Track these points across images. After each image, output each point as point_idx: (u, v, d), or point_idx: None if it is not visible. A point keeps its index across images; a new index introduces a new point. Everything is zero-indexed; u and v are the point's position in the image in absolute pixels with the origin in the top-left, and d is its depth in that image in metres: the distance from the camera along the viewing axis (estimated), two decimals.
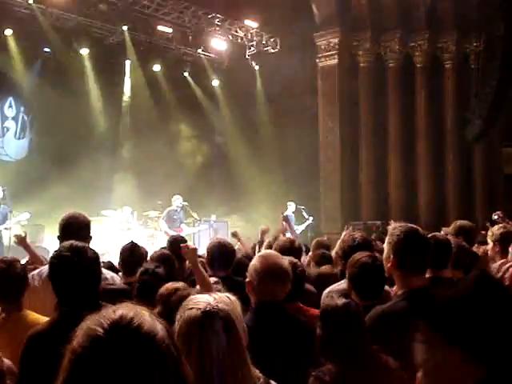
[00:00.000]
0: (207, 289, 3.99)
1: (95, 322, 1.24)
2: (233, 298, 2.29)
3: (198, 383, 1.75)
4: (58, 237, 4.00)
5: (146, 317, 1.27)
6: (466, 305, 1.33)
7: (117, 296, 3.37)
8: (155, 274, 4.19)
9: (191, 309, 1.99)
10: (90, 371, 1.19)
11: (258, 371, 2.29)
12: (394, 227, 3.37)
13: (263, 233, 6.92)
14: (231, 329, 1.98)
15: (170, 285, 3.68)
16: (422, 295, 2.92)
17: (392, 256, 3.25)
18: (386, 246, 3.37)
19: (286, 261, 3.39)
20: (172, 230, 13.18)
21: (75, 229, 3.93)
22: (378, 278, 3.77)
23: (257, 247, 6.84)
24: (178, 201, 13.78)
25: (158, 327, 1.26)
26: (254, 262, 3.29)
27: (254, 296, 3.21)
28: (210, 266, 4.91)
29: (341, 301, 2.92)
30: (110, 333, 1.21)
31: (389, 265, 3.30)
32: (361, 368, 2.79)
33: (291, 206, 14.90)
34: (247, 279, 3.30)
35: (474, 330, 1.30)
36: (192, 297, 2.14)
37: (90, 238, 4.03)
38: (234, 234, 7.85)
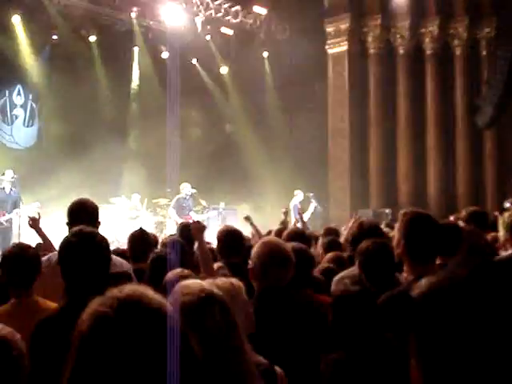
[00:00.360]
0: (210, 269, 3.98)
1: (102, 302, 1.22)
2: (237, 283, 2.26)
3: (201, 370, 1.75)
4: (67, 223, 3.99)
5: (152, 294, 1.27)
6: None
7: (118, 280, 3.35)
8: (167, 259, 4.19)
9: (187, 294, 1.94)
10: (101, 352, 1.17)
11: (261, 357, 2.27)
12: (405, 213, 3.33)
13: (286, 213, 6.91)
14: (228, 315, 1.96)
15: (179, 271, 3.66)
16: None
17: (403, 241, 3.21)
18: (396, 231, 3.33)
19: (288, 246, 3.38)
20: (181, 217, 13.20)
21: (83, 214, 3.93)
22: (388, 265, 3.75)
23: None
24: (186, 188, 13.80)
25: (166, 303, 1.27)
26: (256, 248, 3.29)
27: (257, 282, 3.20)
28: (220, 253, 4.89)
29: (354, 288, 2.91)
30: (119, 311, 1.20)
31: (399, 250, 3.26)
32: (374, 355, 2.77)
33: (299, 195, 14.84)
34: (249, 266, 3.29)
35: None
36: (186, 282, 2.11)
37: (99, 223, 4.03)
38: (247, 218, 7.78)
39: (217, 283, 2.18)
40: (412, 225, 3.20)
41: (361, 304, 2.83)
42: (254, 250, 3.29)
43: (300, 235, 5.04)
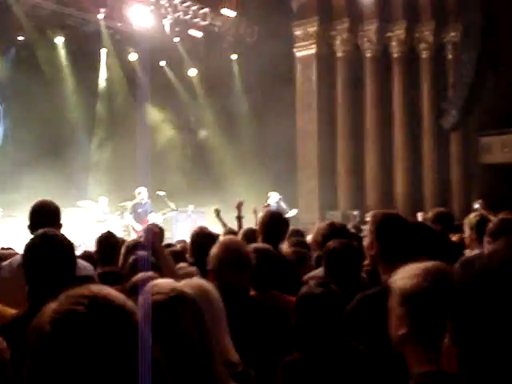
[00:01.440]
0: (172, 275, 3.94)
1: (66, 300, 1.19)
2: (208, 284, 2.25)
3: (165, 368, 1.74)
4: (28, 226, 3.91)
5: (116, 293, 1.25)
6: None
7: (82, 283, 3.31)
8: (147, 261, 4.15)
9: (157, 294, 1.93)
10: (64, 350, 1.13)
11: (237, 357, 2.26)
12: (375, 214, 3.31)
13: (239, 206, 6.82)
14: (198, 314, 1.95)
15: (148, 275, 3.64)
16: None
17: (376, 243, 3.18)
18: (368, 233, 3.30)
19: (247, 247, 3.36)
20: (138, 222, 13.25)
21: (45, 217, 3.84)
22: (354, 265, 3.75)
23: (236, 223, 6.75)
24: (141, 194, 13.70)
25: (130, 302, 1.25)
26: (215, 249, 3.27)
27: (216, 283, 3.17)
28: (193, 255, 4.84)
29: (318, 289, 2.88)
30: (85, 308, 1.17)
31: (373, 252, 3.24)
32: (331, 360, 2.75)
33: (273, 196, 14.80)
34: (209, 267, 3.27)
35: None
36: (157, 281, 2.10)
37: (61, 225, 3.94)
38: (216, 211, 7.63)
39: (189, 283, 2.17)
40: (384, 225, 3.19)
41: (324, 306, 2.81)
42: (213, 251, 3.26)
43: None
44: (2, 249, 6.43)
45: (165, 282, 2.07)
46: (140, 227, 12.45)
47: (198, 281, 2.26)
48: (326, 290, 2.87)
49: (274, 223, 4.66)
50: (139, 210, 13.63)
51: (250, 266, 3.25)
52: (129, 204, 14.79)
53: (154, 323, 1.86)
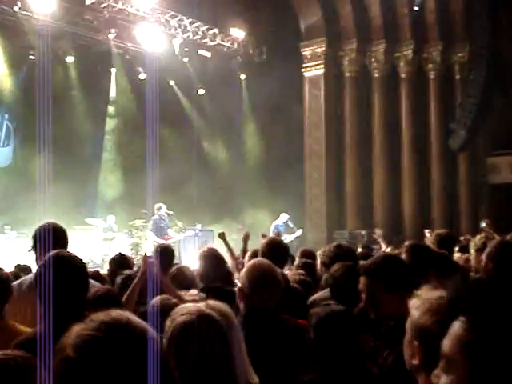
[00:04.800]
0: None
1: (89, 327, 1.24)
2: (225, 306, 2.31)
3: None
4: (33, 247, 3.86)
5: (137, 319, 1.30)
6: None
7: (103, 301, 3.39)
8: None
9: (184, 314, 2.03)
10: (85, 375, 1.19)
11: (257, 379, 2.31)
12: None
13: (246, 238, 6.75)
14: (225, 334, 2.03)
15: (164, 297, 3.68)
16: None
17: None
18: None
19: (278, 270, 3.41)
20: (160, 238, 13.20)
21: (52, 239, 3.82)
22: (357, 288, 3.79)
23: (241, 257, 6.65)
24: (161, 209, 13.75)
25: (149, 327, 1.30)
26: (247, 269, 3.33)
27: (245, 303, 3.23)
28: (202, 277, 4.84)
29: (337, 308, 2.93)
30: (108, 335, 1.22)
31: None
32: (349, 378, 2.77)
33: (282, 217, 14.88)
34: (239, 286, 3.32)
35: None
36: (183, 305, 2.17)
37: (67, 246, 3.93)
38: (222, 235, 7.44)
39: (210, 305, 2.20)
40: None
41: (347, 323, 2.85)
42: (245, 271, 3.32)
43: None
44: None
45: (193, 305, 2.15)
46: (164, 242, 12.43)
47: (217, 303, 2.30)
48: (344, 310, 2.93)
49: (273, 251, 4.68)
50: (161, 225, 13.67)
51: (280, 288, 3.29)
52: (137, 222, 14.85)
53: (181, 341, 1.93)
